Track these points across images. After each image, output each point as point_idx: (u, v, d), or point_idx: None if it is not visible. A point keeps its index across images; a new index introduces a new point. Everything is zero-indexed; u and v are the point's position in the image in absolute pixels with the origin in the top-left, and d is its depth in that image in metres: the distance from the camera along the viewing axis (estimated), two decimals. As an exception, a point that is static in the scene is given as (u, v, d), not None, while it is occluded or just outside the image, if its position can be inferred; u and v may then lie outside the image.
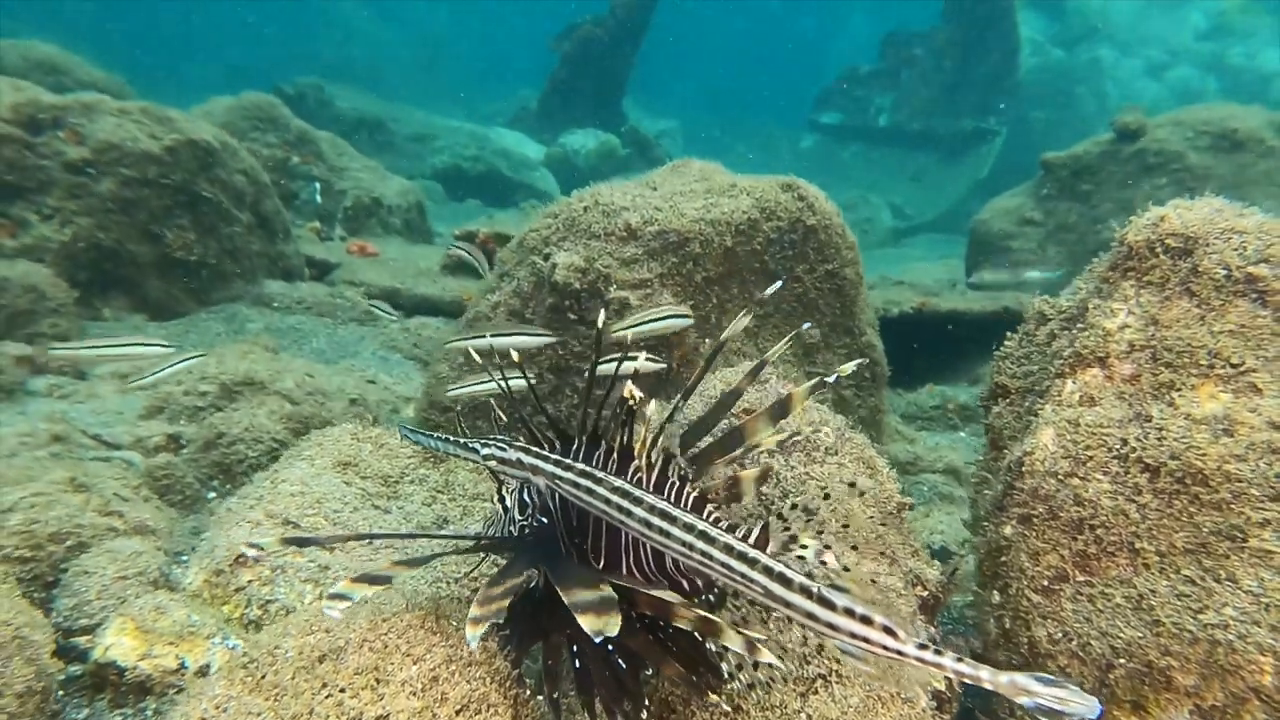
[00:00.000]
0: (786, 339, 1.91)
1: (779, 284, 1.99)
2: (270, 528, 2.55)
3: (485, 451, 1.84)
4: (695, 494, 1.87)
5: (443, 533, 2.64)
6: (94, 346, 4.06)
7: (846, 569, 1.62)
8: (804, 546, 1.69)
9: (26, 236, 6.21)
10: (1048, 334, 2.48)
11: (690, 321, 3.64)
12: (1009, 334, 2.71)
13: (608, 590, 1.58)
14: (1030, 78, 24.36)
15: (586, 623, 1.47)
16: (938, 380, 7.08)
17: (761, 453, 1.84)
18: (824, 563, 1.62)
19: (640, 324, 3.50)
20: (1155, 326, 2.12)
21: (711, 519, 1.78)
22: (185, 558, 2.80)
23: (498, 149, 20.48)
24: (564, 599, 1.55)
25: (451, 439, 1.93)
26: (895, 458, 5.26)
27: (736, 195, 4.21)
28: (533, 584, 1.88)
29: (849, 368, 1.79)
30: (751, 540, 1.69)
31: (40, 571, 2.56)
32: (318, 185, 10.43)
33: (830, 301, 4.40)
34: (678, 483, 1.88)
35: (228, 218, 7.19)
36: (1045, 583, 2.02)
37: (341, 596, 1.53)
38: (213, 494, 3.84)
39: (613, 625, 1.46)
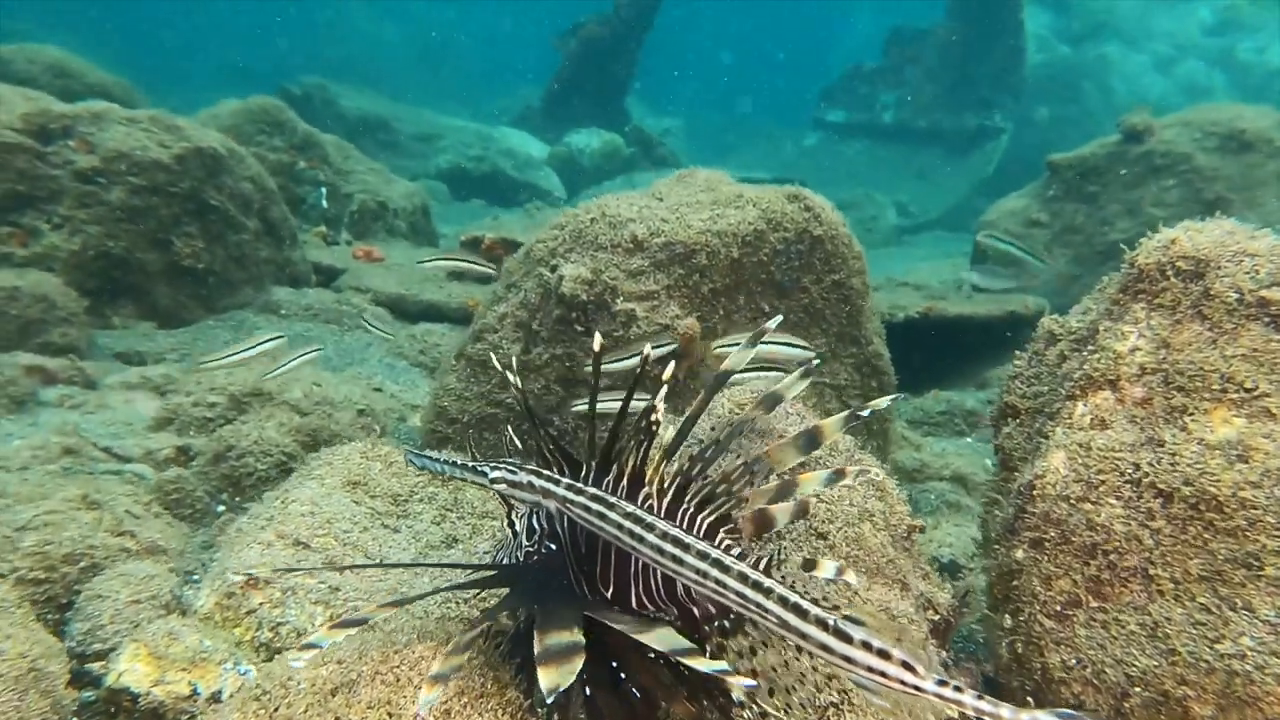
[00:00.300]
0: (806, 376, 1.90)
1: (779, 317, 1.97)
2: (281, 548, 2.56)
3: (494, 474, 1.82)
4: (711, 519, 1.86)
5: (446, 560, 2.63)
6: (235, 353, 4.60)
7: (865, 602, 1.62)
8: (818, 572, 1.68)
9: (37, 245, 6.25)
10: (1058, 355, 2.47)
11: (810, 354, 3.42)
12: (1018, 352, 2.70)
13: (578, 636, 1.54)
14: (1036, 74, 24.23)
15: (542, 676, 1.44)
16: (944, 385, 7.05)
17: (805, 496, 1.82)
18: (850, 587, 1.60)
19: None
20: (1167, 349, 2.11)
21: (724, 546, 1.77)
22: (196, 577, 2.81)
23: (502, 148, 20.45)
24: (535, 644, 1.52)
25: (459, 462, 1.91)
26: (902, 465, 5.25)
27: (743, 206, 4.21)
28: (524, 619, 1.85)
29: (883, 402, 1.76)
30: (763, 567, 1.68)
31: (54, 593, 2.57)
32: (324, 190, 10.44)
33: (837, 311, 4.40)
34: (691, 509, 1.87)
35: (235, 225, 7.21)
36: (1058, 608, 2.02)
37: (312, 646, 1.51)
38: (222, 507, 3.85)
39: (567, 678, 1.43)
